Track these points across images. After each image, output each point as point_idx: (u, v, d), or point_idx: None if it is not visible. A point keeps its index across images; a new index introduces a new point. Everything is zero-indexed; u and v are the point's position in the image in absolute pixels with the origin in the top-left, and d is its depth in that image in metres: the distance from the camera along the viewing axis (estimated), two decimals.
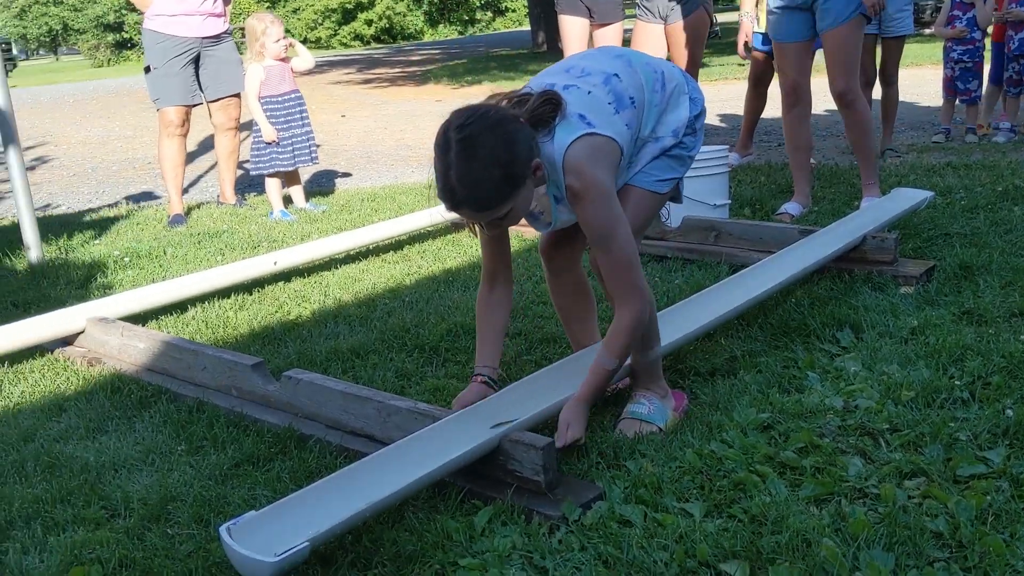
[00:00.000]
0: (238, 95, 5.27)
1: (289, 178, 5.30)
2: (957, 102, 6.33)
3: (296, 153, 5.15)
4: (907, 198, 3.69)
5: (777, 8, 4.09)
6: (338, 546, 1.75)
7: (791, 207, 4.21)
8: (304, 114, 5.19)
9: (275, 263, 3.58)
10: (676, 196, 2.34)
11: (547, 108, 1.97)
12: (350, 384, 2.27)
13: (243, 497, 1.98)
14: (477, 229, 2.12)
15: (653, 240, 3.78)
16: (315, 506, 1.71)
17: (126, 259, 4.18)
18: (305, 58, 5.26)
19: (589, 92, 2.05)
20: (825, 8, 3.92)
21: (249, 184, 6.57)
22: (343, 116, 11.09)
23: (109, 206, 6.00)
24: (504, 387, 2.23)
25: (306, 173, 7.12)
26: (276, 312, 3.32)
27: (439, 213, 4.20)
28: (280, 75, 5.07)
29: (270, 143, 5.05)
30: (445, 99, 12.16)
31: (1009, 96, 6.13)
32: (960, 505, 1.74)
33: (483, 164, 1.85)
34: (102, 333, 2.91)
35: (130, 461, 2.21)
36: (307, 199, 5.43)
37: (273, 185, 5.16)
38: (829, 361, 2.51)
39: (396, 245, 4.20)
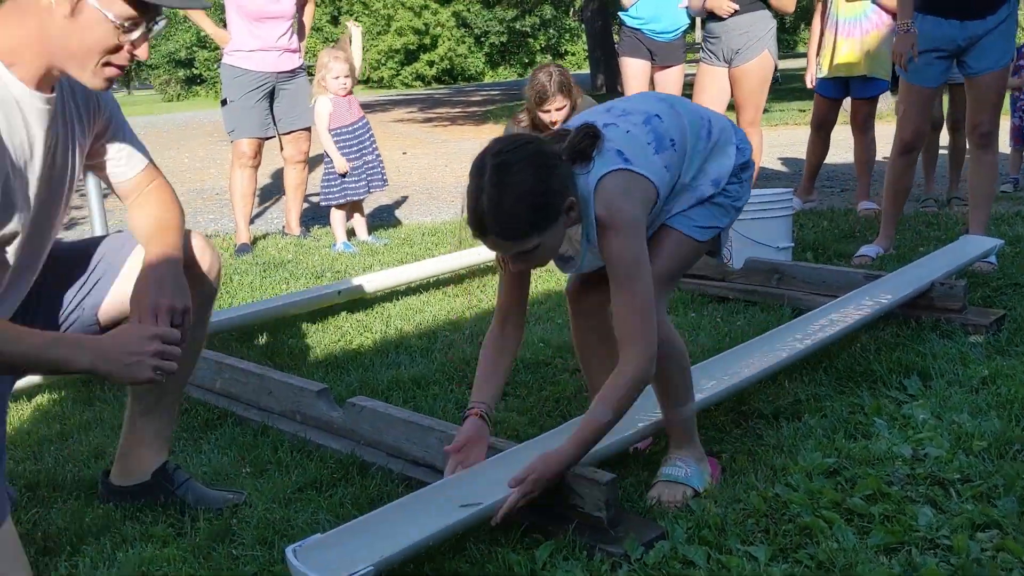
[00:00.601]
0: (308, 129, 5.39)
1: (353, 210, 5.39)
2: None
3: (370, 179, 5.24)
4: (976, 245, 3.63)
5: (926, 52, 3.99)
6: (399, 573, 1.76)
7: (871, 249, 4.17)
8: (372, 140, 5.29)
9: (339, 293, 3.64)
10: (714, 250, 2.22)
11: (586, 142, 1.91)
12: (412, 413, 2.29)
13: (306, 521, 2.00)
14: (501, 265, 2.06)
15: (714, 281, 3.77)
16: (379, 531, 1.73)
17: None
18: (356, 43, 5.30)
19: (628, 131, 1.98)
20: (984, 49, 3.87)
21: (313, 216, 6.69)
22: (404, 153, 11.26)
23: None
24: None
25: (369, 206, 7.24)
26: (339, 341, 3.37)
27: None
28: (347, 106, 5.19)
29: (343, 174, 5.15)
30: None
31: None
32: None
33: (515, 192, 1.78)
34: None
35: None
36: (369, 232, 5.52)
37: (338, 217, 5.25)
38: (896, 408, 2.47)
39: (457, 279, 4.24)
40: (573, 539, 1.85)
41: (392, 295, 3.98)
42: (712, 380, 2.43)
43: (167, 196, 2.09)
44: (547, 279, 4.18)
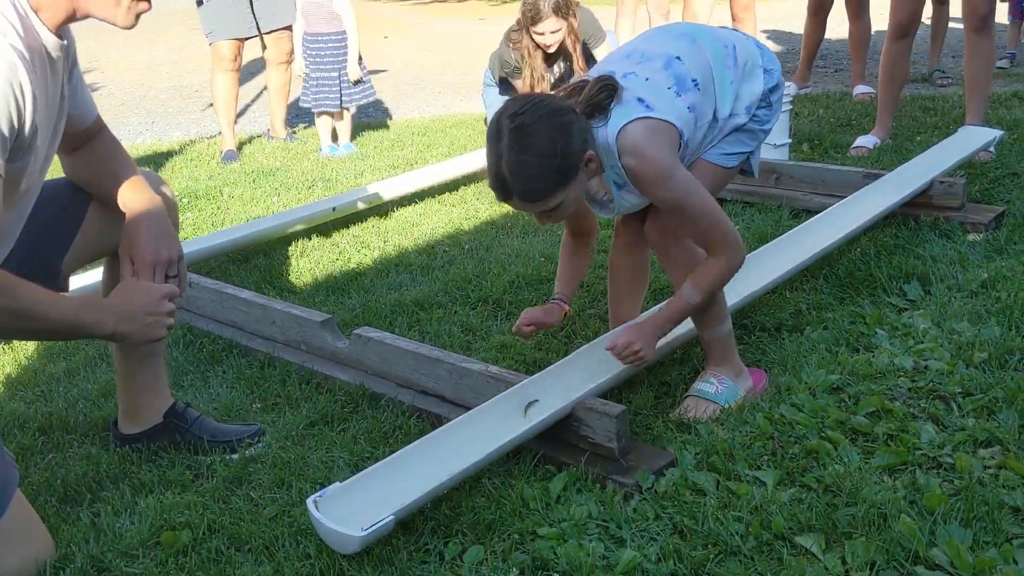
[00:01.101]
0: (291, 27, 5.21)
1: (338, 113, 5.27)
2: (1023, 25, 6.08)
3: (345, 91, 5.07)
4: (975, 138, 3.59)
5: None
6: (419, 512, 1.80)
7: (867, 140, 4.13)
8: (341, 58, 5.03)
9: (333, 209, 3.60)
10: (746, 170, 2.26)
11: (603, 95, 1.94)
12: (420, 344, 2.30)
13: (321, 459, 2.03)
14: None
15: None
16: (398, 476, 1.76)
17: (185, 200, 4.22)
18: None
19: (647, 79, 2.00)
20: None
21: (297, 114, 6.54)
22: (386, 37, 10.94)
23: (161, 140, 6.04)
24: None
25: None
26: (337, 259, 3.35)
27: None
28: (328, 14, 4.96)
29: (318, 82, 4.99)
30: (488, 17, 11.94)
31: None
32: None
33: (535, 155, 1.84)
34: None
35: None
36: (352, 138, 5.36)
37: (322, 122, 5.13)
38: (897, 317, 2.49)
39: (452, 186, 4.18)
40: (586, 470, 1.89)
41: (386, 205, 3.93)
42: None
43: (119, 144, 2.03)
44: None
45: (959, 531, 1.63)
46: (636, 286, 2.45)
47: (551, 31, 4.00)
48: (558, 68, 4.38)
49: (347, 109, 5.18)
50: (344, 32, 5.03)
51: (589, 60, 4.36)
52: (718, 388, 2.15)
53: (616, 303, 2.45)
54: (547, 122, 1.84)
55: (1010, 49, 6.09)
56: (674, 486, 1.84)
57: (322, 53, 5.01)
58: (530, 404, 2.00)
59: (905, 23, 4.01)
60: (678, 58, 2.04)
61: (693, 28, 2.19)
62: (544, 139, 1.83)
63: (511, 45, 4.24)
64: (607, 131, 1.93)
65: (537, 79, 4.26)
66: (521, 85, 4.29)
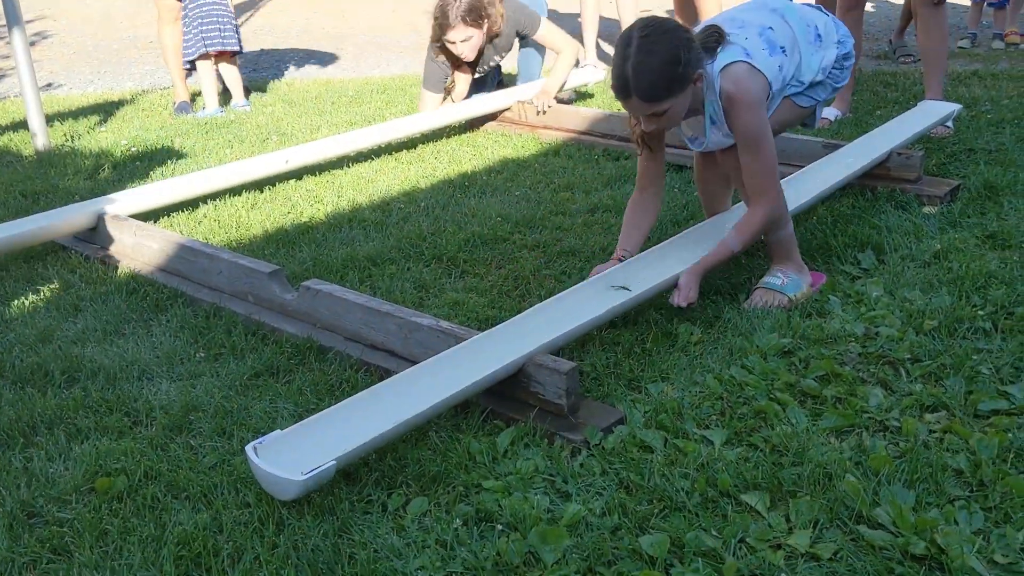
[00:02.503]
0: None
1: (224, 67, 4.99)
2: (985, 6, 6.12)
3: (223, 32, 4.80)
4: (934, 112, 3.60)
5: None
6: (363, 464, 1.77)
7: (830, 112, 4.14)
8: None
9: (287, 161, 3.52)
10: (809, 121, 2.70)
11: (713, 38, 2.25)
12: (370, 298, 2.25)
13: (264, 409, 1.99)
14: (639, 144, 2.44)
15: (674, 148, 3.70)
16: (341, 425, 1.72)
17: (134, 148, 4.10)
18: None
19: (747, 38, 2.34)
20: None
21: (254, 69, 6.41)
22: None
23: (113, 90, 5.87)
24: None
25: (313, 57, 6.94)
26: (289, 213, 3.28)
27: (455, 113, 4.12)
28: None
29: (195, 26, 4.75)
30: None
31: None
32: (981, 443, 1.75)
33: (658, 59, 2.13)
34: (115, 231, 2.87)
35: (150, 367, 2.21)
36: (247, 95, 5.14)
37: (204, 74, 4.87)
38: (851, 284, 2.49)
39: (410, 144, 4.11)
40: (534, 426, 1.87)
41: (343, 161, 3.86)
42: (673, 262, 2.42)
43: None
44: (505, 147, 4.08)
45: (902, 492, 1.64)
46: (724, 184, 2.74)
47: (461, 40, 3.91)
48: (492, 63, 4.33)
49: (232, 56, 4.90)
50: None
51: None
52: (784, 280, 2.40)
53: (709, 199, 2.79)
54: (672, 36, 2.15)
55: (972, 29, 6.14)
56: (622, 443, 1.83)
57: None
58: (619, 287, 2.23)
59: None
60: (770, 28, 2.40)
61: (783, 5, 2.52)
62: (668, 48, 2.14)
63: (435, 61, 4.15)
64: (713, 67, 2.27)
65: (458, 94, 4.20)
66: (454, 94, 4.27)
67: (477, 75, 4.32)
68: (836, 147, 3.26)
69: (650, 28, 2.15)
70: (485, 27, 3.96)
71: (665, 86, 2.16)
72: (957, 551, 1.47)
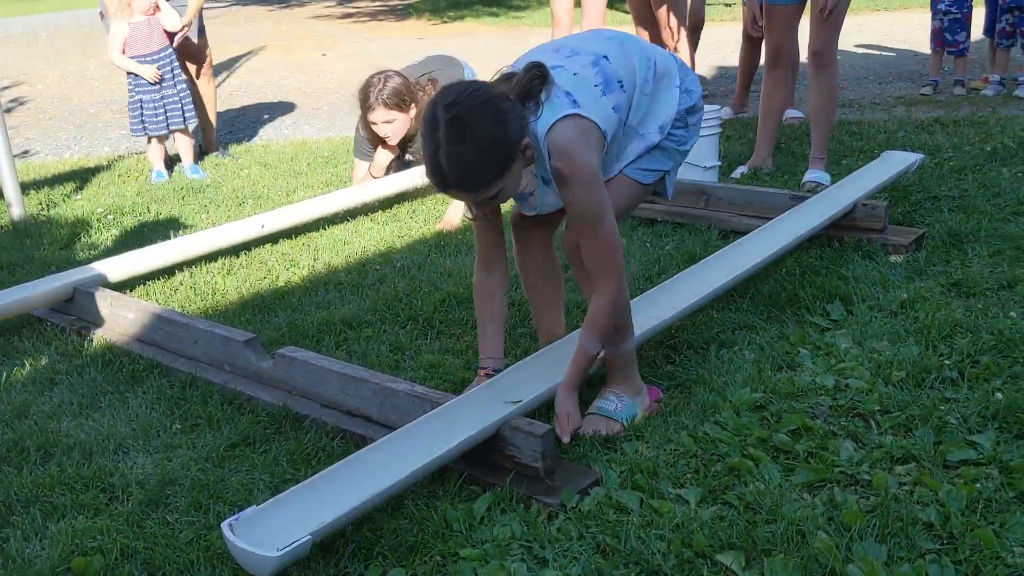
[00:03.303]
0: (205, 39, 5.18)
1: (174, 135, 5.05)
2: (945, 53, 6.28)
3: (169, 116, 4.88)
4: (897, 161, 3.69)
5: None
6: (339, 535, 1.77)
7: (737, 171, 4.24)
8: (176, 73, 4.89)
9: (263, 226, 3.54)
10: (661, 190, 2.27)
11: (535, 82, 1.92)
12: (346, 364, 2.27)
13: (241, 481, 1.99)
14: (470, 215, 2.17)
15: (643, 203, 3.77)
16: (316, 498, 1.72)
17: (110, 217, 4.12)
18: (169, 17, 4.86)
19: (575, 73, 2.01)
20: None
21: (230, 131, 6.46)
22: (324, 55, 10.88)
23: (90, 155, 5.90)
24: (502, 369, 2.24)
25: (289, 115, 7.01)
26: (265, 278, 3.30)
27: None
28: (148, 32, 4.78)
29: (145, 105, 4.83)
30: (427, 36, 11.94)
31: (999, 48, 6.09)
32: (951, 495, 1.78)
33: (473, 145, 1.82)
34: (90, 303, 2.88)
35: (126, 441, 2.21)
36: (197, 160, 5.18)
37: (151, 146, 4.96)
38: (820, 336, 2.53)
39: (386, 204, 4.15)
40: (511, 490, 1.88)
41: (318, 224, 3.89)
42: (643, 317, 2.45)
43: None
44: None
45: (874, 547, 1.66)
46: (553, 286, 2.43)
47: (383, 121, 3.86)
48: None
49: (184, 131, 5.00)
50: (168, 48, 4.84)
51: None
52: (618, 406, 2.16)
53: (539, 315, 2.46)
54: (483, 111, 1.83)
55: (933, 76, 6.28)
56: (598, 505, 1.84)
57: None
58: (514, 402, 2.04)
59: (772, 54, 4.15)
60: (606, 57, 2.06)
61: (623, 35, 2.20)
62: (481, 129, 1.82)
63: (364, 135, 4.11)
64: (538, 126, 1.93)
65: (377, 165, 4.11)
66: (355, 169, 4.24)
67: (409, 157, 4.22)
68: (802, 199, 3.32)
69: (457, 106, 1.81)
70: (412, 112, 3.90)
71: (486, 173, 1.85)
72: None
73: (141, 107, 4.85)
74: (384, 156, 4.12)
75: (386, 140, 3.99)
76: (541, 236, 2.35)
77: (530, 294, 2.46)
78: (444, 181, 1.86)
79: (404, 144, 4.13)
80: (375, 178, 4.12)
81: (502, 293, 2.25)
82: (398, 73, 3.91)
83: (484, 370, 2.23)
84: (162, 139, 4.98)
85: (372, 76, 3.89)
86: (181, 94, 4.92)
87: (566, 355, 2.24)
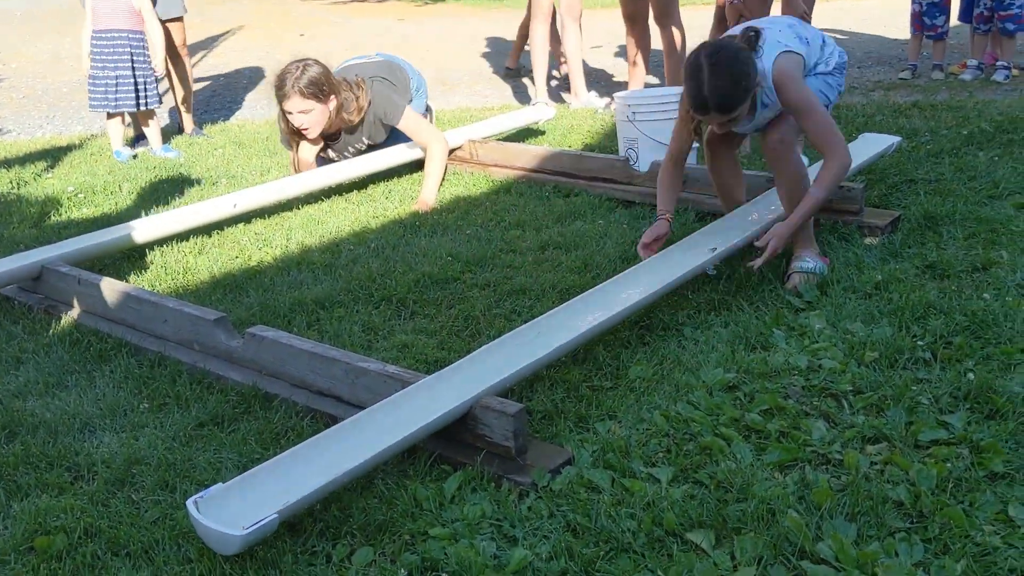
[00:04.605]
0: (181, 19, 5.10)
1: (144, 116, 5.00)
2: (924, 37, 6.29)
3: (119, 96, 4.79)
4: (875, 144, 3.68)
5: None
6: (307, 514, 1.75)
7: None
8: (130, 56, 4.79)
9: (235, 205, 3.50)
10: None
11: (754, 36, 2.67)
12: (316, 343, 2.24)
13: (209, 460, 1.96)
14: (688, 119, 2.84)
15: (621, 185, 3.76)
16: (284, 476, 1.70)
17: (80, 195, 4.06)
18: (153, 28, 4.84)
19: (780, 30, 2.78)
20: None
21: (205, 111, 6.39)
22: (302, 35, 10.77)
23: (62, 134, 5.82)
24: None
25: (261, 101, 6.93)
26: (237, 257, 3.26)
27: (407, 154, 4.13)
28: (112, 9, 4.71)
29: (116, 81, 4.77)
30: (407, 17, 11.85)
31: (977, 34, 6.10)
32: (921, 474, 1.78)
33: (730, 81, 2.54)
34: (59, 281, 2.83)
35: (92, 420, 2.18)
36: (171, 139, 5.13)
37: (110, 122, 4.90)
38: (794, 317, 2.53)
39: (360, 184, 4.11)
40: (482, 470, 1.86)
41: (292, 203, 3.84)
42: (619, 298, 2.44)
43: None
44: (456, 185, 4.10)
45: (844, 526, 1.66)
46: (738, 179, 3.16)
47: (298, 111, 3.69)
48: (359, 146, 4.11)
49: (152, 112, 4.94)
50: (141, 32, 4.80)
51: (394, 133, 4.13)
52: (814, 264, 2.77)
53: (726, 198, 3.15)
54: (735, 58, 2.56)
55: (912, 61, 6.29)
56: (570, 484, 1.83)
57: (118, 50, 4.77)
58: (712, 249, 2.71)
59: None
60: (791, 26, 2.85)
61: (794, 21, 2.94)
62: (736, 70, 2.55)
63: (286, 134, 3.97)
64: (763, 63, 2.66)
65: (302, 161, 3.95)
66: (292, 157, 4.05)
67: (333, 155, 4.09)
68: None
69: (717, 55, 2.55)
70: (332, 104, 3.75)
71: (739, 100, 2.57)
72: None
73: (96, 83, 4.78)
74: (307, 151, 3.94)
75: (303, 132, 3.80)
76: (729, 150, 3.09)
77: (721, 191, 3.16)
78: (706, 107, 2.57)
79: (333, 136, 3.95)
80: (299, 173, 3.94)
81: (680, 181, 3.02)
82: (318, 62, 3.76)
83: (665, 215, 2.91)
84: (117, 118, 4.91)
85: (290, 64, 3.73)
86: (145, 76, 4.84)
87: (540, 333, 2.23)
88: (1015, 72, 5.92)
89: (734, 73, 2.54)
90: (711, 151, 3.08)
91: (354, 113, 3.89)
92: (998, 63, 5.94)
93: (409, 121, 4.03)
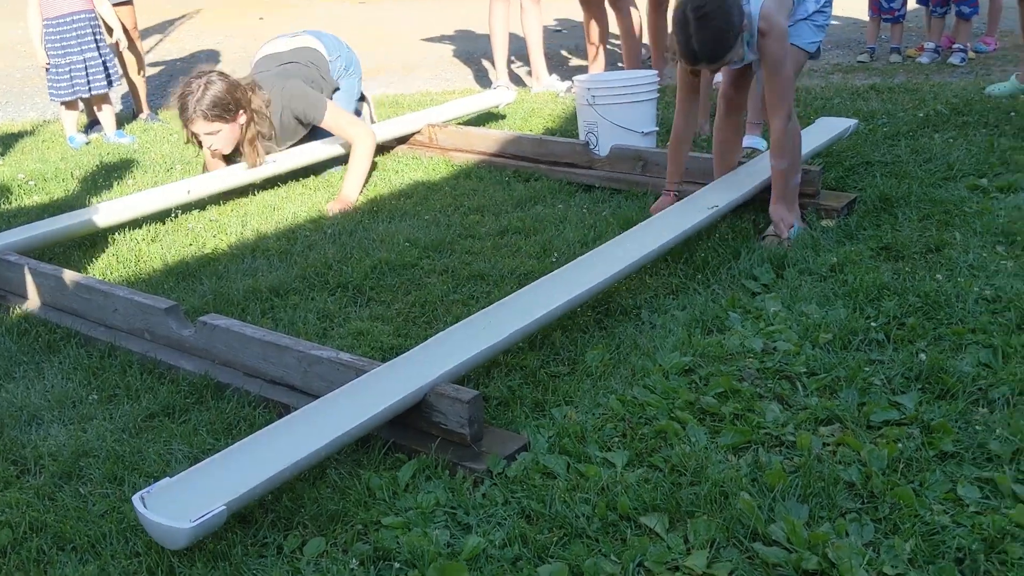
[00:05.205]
0: (131, 2, 5.02)
1: (99, 102, 4.92)
2: (882, 20, 6.33)
3: (75, 82, 4.72)
4: (832, 127, 3.70)
5: None
6: (258, 505, 1.73)
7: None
8: (82, 39, 4.71)
9: (188, 192, 3.44)
10: (816, 55, 3.22)
11: None
12: (269, 331, 2.21)
13: (158, 452, 1.93)
14: (681, 72, 3.00)
15: (581, 169, 3.75)
16: (234, 468, 1.68)
17: (32, 183, 3.97)
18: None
19: None
20: None
21: (161, 96, 6.28)
22: (261, 19, 10.62)
23: (15, 120, 5.69)
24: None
25: None
26: (191, 244, 3.21)
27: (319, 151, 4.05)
28: None
29: (47, 68, 4.71)
30: (368, 1, 11.73)
31: (934, 17, 6.15)
32: (872, 454, 1.79)
33: (716, 31, 2.65)
34: (7, 271, 2.77)
35: (40, 412, 2.13)
36: (121, 126, 5.05)
37: (65, 112, 4.84)
38: (750, 300, 2.53)
39: (317, 169, 4.06)
40: (436, 458, 1.85)
41: (248, 189, 3.79)
42: (577, 282, 2.43)
43: None
44: (415, 170, 4.06)
45: (796, 507, 1.67)
46: (737, 141, 3.35)
47: (204, 133, 3.49)
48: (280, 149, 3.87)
49: (102, 96, 4.87)
50: (82, 13, 4.70)
51: (315, 131, 3.93)
52: (795, 223, 2.94)
53: (720, 158, 3.29)
54: (718, 9, 2.63)
55: (870, 44, 6.33)
56: (525, 470, 1.82)
57: (67, 36, 4.69)
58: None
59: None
60: None
61: None
62: (720, 21, 2.64)
63: (209, 158, 3.76)
64: (751, 8, 2.74)
65: (211, 164, 3.73)
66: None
67: (258, 162, 3.74)
68: (738, 164, 3.32)
69: (703, 7, 2.62)
70: (241, 118, 3.53)
71: (725, 49, 2.68)
72: (847, 565, 1.50)
73: (59, 71, 4.69)
74: (214, 163, 3.73)
75: (213, 153, 3.63)
76: (740, 105, 3.29)
77: (720, 146, 3.28)
78: (695, 58, 2.70)
79: (250, 143, 3.66)
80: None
81: (689, 141, 3.20)
82: (223, 76, 3.50)
83: (671, 191, 3.12)
84: (72, 104, 4.83)
85: (191, 80, 3.47)
86: (103, 58, 4.77)
87: (496, 319, 2.22)
88: (971, 55, 5.98)
89: (720, 25, 2.65)
90: (725, 102, 3.25)
91: (266, 125, 3.66)
92: (954, 46, 5.99)
93: (331, 118, 3.79)
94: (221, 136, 3.51)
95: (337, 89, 4.09)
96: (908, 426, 1.90)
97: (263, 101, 3.59)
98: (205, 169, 3.76)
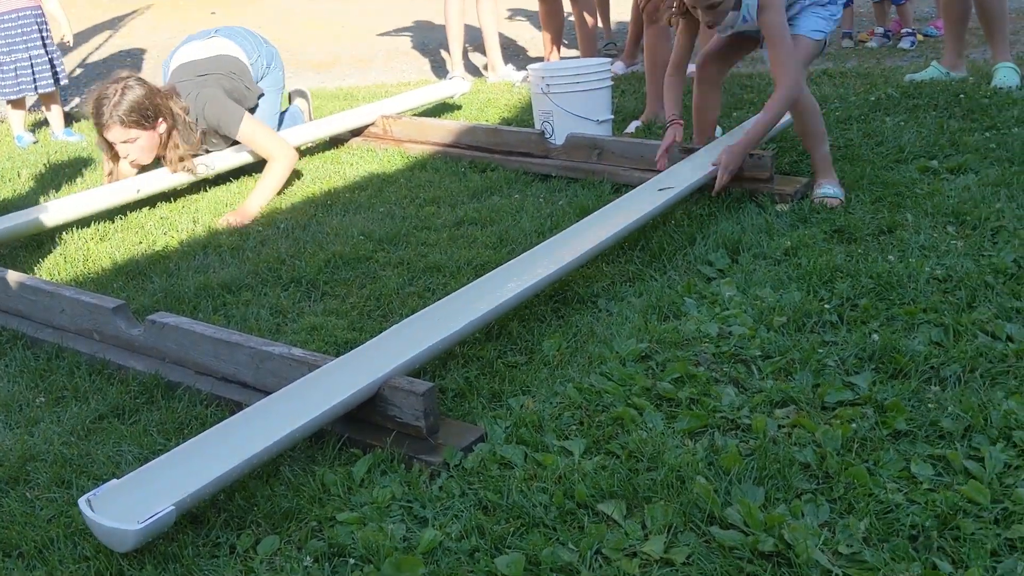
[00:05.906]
0: None
1: (48, 101, 4.85)
2: None
3: (20, 80, 4.65)
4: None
5: None
6: (210, 505, 1.70)
7: (632, 125, 4.23)
8: (40, 36, 4.66)
9: (138, 190, 3.38)
10: (823, 49, 3.26)
11: None
12: (220, 328, 2.17)
13: (107, 454, 1.89)
14: (680, 22, 3.16)
15: (537, 158, 3.73)
16: (183, 467, 1.65)
17: None
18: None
19: None
20: None
21: None
22: (213, 13, 10.47)
23: None
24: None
25: None
26: (141, 242, 3.15)
27: (316, 131, 4.04)
28: None
29: (12, 67, 4.63)
30: None
31: (876, 2, 6.22)
32: (827, 435, 1.80)
33: None
34: None
35: None
36: (69, 123, 4.98)
37: (11, 111, 4.77)
38: (706, 285, 2.54)
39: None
40: (392, 452, 1.83)
41: (200, 185, 3.73)
42: (533, 272, 2.42)
43: None
44: (370, 162, 4.03)
45: (752, 490, 1.67)
46: (715, 100, 3.50)
47: (121, 141, 3.32)
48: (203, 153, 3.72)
49: (54, 94, 4.81)
50: (25, 10, 4.63)
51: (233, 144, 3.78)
52: (833, 189, 3.03)
53: (700, 119, 3.48)
54: None
55: (846, 28, 6.38)
56: (482, 461, 1.81)
57: (12, 34, 4.61)
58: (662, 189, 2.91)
59: (651, 8, 4.08)
60: None
61: None
62: None
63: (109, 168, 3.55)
64: None
65: (125, 170, 3.50)
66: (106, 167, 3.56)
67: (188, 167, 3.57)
68: (692, 151, 3.33)
69: None
70: (160, 127, 3.38)
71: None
72: (803, 546, 1.50)
73: (5, 70, 4.60)
74: (127, 166, 3.51)
75: (132, 164, 3.45)
76: (719, 73, 3.45)
77: (698, 112, 3.46)
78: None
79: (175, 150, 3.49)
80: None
81: (681, 89, 3.36)
82: (141, 81, 3.35)
83: (675, 121, 3.30)
84: (19, 103, 4.73)
85: (107, 85, 3.30)
86: (50, 56, 4.68)
87: (450, 310, 2.20)
88: (920, 38, 6.06)
89: None
90: (703, 67, 3.39)
91: (190, 135, 3.52)
92: (904, 31, 6.07)
93: (247, 131, 3.59)
94: (138, 145, 3.33)
95: (262, 95, 3.92)
96: (862, 406, 1.92)
97: (181, 109, 3.43)
98: (109, 181, 3.52)
